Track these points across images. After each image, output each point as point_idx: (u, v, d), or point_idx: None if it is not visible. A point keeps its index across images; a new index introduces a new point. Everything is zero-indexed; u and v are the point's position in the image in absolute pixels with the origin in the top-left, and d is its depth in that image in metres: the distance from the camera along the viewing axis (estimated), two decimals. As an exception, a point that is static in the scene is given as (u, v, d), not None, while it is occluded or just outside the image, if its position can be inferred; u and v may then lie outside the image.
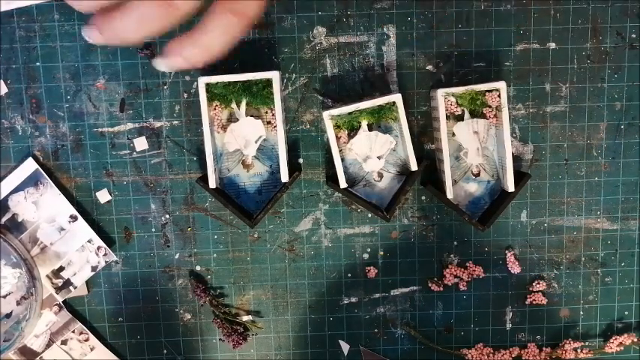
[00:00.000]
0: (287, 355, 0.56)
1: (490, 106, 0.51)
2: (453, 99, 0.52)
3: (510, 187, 0.51)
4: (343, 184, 0.51)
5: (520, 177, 0.52)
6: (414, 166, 0.51)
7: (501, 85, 0.50)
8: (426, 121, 0.54)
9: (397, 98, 0.50)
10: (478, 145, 0.52)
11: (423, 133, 0.54)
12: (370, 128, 0.52)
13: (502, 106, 0.50)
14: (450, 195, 0.51)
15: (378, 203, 0.53)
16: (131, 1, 0.33)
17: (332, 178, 0.53)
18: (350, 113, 0.51)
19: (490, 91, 0.51)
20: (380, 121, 0.52)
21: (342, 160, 0.52)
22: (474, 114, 0.52)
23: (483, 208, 0.54)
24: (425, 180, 0.53)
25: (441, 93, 0.50)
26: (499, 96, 0.50)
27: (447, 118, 0.51)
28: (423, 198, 0.54)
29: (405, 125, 0.50)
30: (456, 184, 0.54)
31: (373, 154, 0.52)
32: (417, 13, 0.52)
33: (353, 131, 0.53)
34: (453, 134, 0.53)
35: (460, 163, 0.54)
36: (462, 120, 0.52)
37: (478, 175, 0.54)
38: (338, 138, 0.52)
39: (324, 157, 0.54)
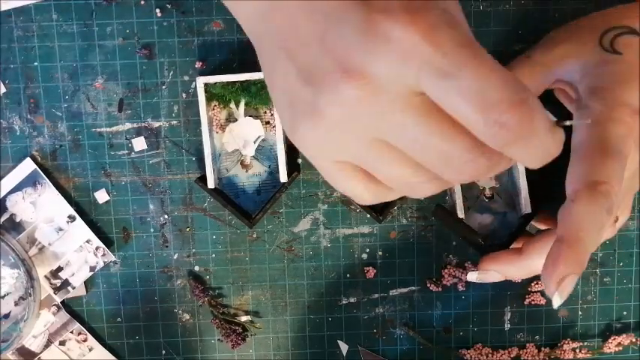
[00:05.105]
0: (286, 356, 0.56)
1: None
2: None
3: (526, 207, 0.49)
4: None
5: (537, 202, 0.49)
6: None
7: None
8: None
9: None
10: None
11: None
12: None
13: None
14: (461, 214, 0.49)
15: (372, 204, 0.53)
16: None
17: None
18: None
19: None
20: None
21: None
22: None
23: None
24: (434, 206, 0.52)
25: None
26: None
27: None
28: (422, 198, 0.54)
29: None
30: (469, 213, 0.52)
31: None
32: (416, 13, 0.52)
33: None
34: None
35: (472, 188, 0.52)
36: None
37: (491, 197, 0.51)
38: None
39: (323, 158, 0.54)
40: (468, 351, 0.56)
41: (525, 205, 0.49)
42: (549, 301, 0.56)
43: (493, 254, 0.47)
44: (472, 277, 0.48)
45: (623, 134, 0.39)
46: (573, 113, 0.44)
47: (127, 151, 0.53)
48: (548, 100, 0.48)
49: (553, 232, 0.45)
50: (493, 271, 0.46)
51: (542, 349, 0.56)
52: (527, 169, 0.49)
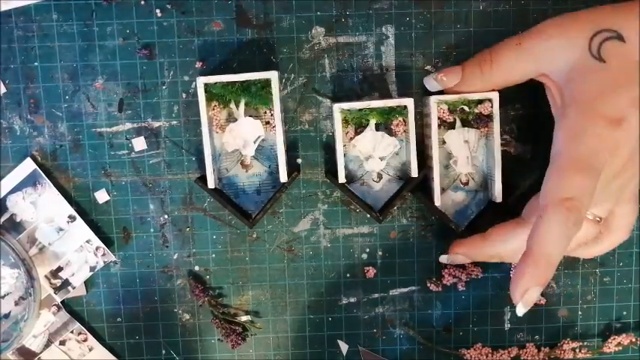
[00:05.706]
0: (286, 355, 0.56)
1: (482, 116, 0.51)
2: (445, 106, 0.51)
3: (498, 197, 0.51)
4: (342, 179, 0.51)
5: (510, 189, 0.52)
6: (414, 172, 0.51)
7: (494, 95, 0.50)
8: (423, 121, 0.53)
9: (409, 102, 0.50)
10: (468, 154, 0.52)
11: (420, 133, 0.53)
12: (377, 128, 0.52)
13: (494, 116, 0.50)
14: (437, 202, 0.51)
15: (372, 204, 0.53)
16: None
17: (332, 173, 0.53)
18: (360, 110, 0.51)
19: (482, 101, 0.50)
20: (388, 122, 0.52)
21: (345, 155, 0.52)
22: (466, 123, 0.52)
23: (469, 218, 0.54)
24: (414, 187, 0.53)
25: (433, 100, 0.50)
26: (492, 106, 0.50)
27: (438, 126, 0.51)
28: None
29: (412, 131, 0.50)
30: (444, 193, 0.54)
31: (376, 154, 0.52)
32: (416, 14, 0.52)
33: (360, 128, 0.52)
34: (444, 142, 0.52)
35: (449, 171, 0.53)
36: (454, 128, 0.52)
37: (467, 184, 0.54)
38: (345, 134, 0.52)
39: (323, 157, 0.54)
40: (468, 351, 0.56)
41: (498, 195, 0.51)
42: (547, 301, 0.56)
43: (461, 239, 0.51)
44: (443, 259, 0.53)
45: (596, 148, 0.39)
46: (555, 120, 0.45)
47: (127, 151, 0.53)
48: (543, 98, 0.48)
49: (516, 221, 0.48)
50: (460, 255, 0.51)
51: (542, 348, 0.56)
52: (503, 160, 0.51)
